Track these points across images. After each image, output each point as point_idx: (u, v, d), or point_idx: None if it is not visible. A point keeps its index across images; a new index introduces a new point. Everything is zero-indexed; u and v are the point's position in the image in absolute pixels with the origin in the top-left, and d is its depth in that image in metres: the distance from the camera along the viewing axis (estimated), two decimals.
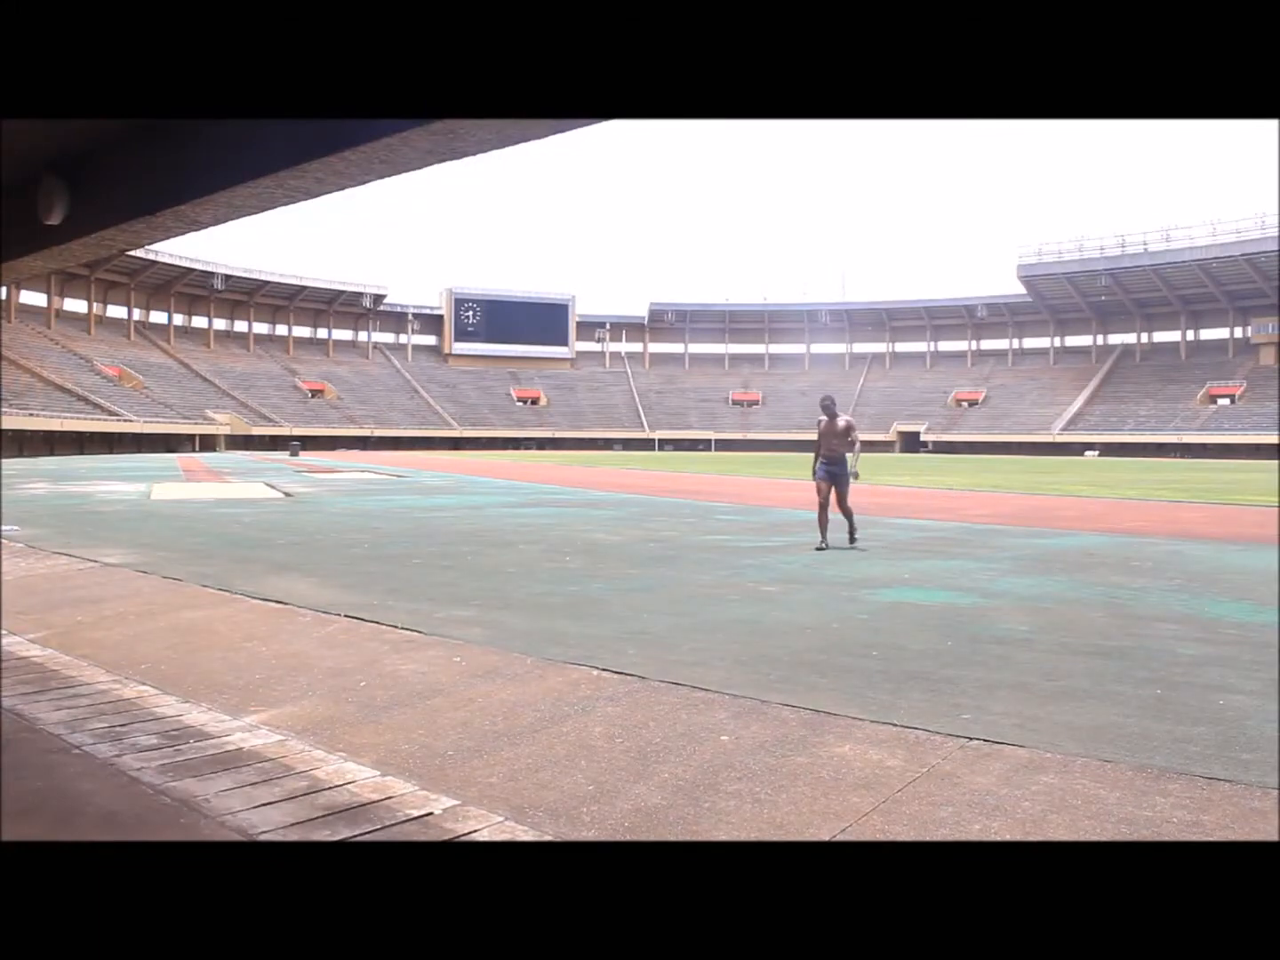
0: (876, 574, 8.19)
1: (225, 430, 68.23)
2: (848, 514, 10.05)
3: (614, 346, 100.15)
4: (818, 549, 9.61)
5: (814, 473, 10.20)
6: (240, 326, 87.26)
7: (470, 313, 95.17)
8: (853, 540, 9.95)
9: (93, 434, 55.20)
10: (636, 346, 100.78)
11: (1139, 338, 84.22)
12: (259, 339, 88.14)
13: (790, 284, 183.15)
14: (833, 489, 9.99)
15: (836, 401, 10.42)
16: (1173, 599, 6.98)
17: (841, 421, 10.01)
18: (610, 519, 13.96)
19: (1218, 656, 5.12)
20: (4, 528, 11.18)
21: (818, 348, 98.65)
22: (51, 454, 49.59)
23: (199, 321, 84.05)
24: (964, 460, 55.02)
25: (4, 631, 5.76)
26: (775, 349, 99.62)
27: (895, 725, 3.91)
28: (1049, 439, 74.64)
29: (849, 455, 10.03)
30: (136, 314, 78.61)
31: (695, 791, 3.24)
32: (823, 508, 9.95)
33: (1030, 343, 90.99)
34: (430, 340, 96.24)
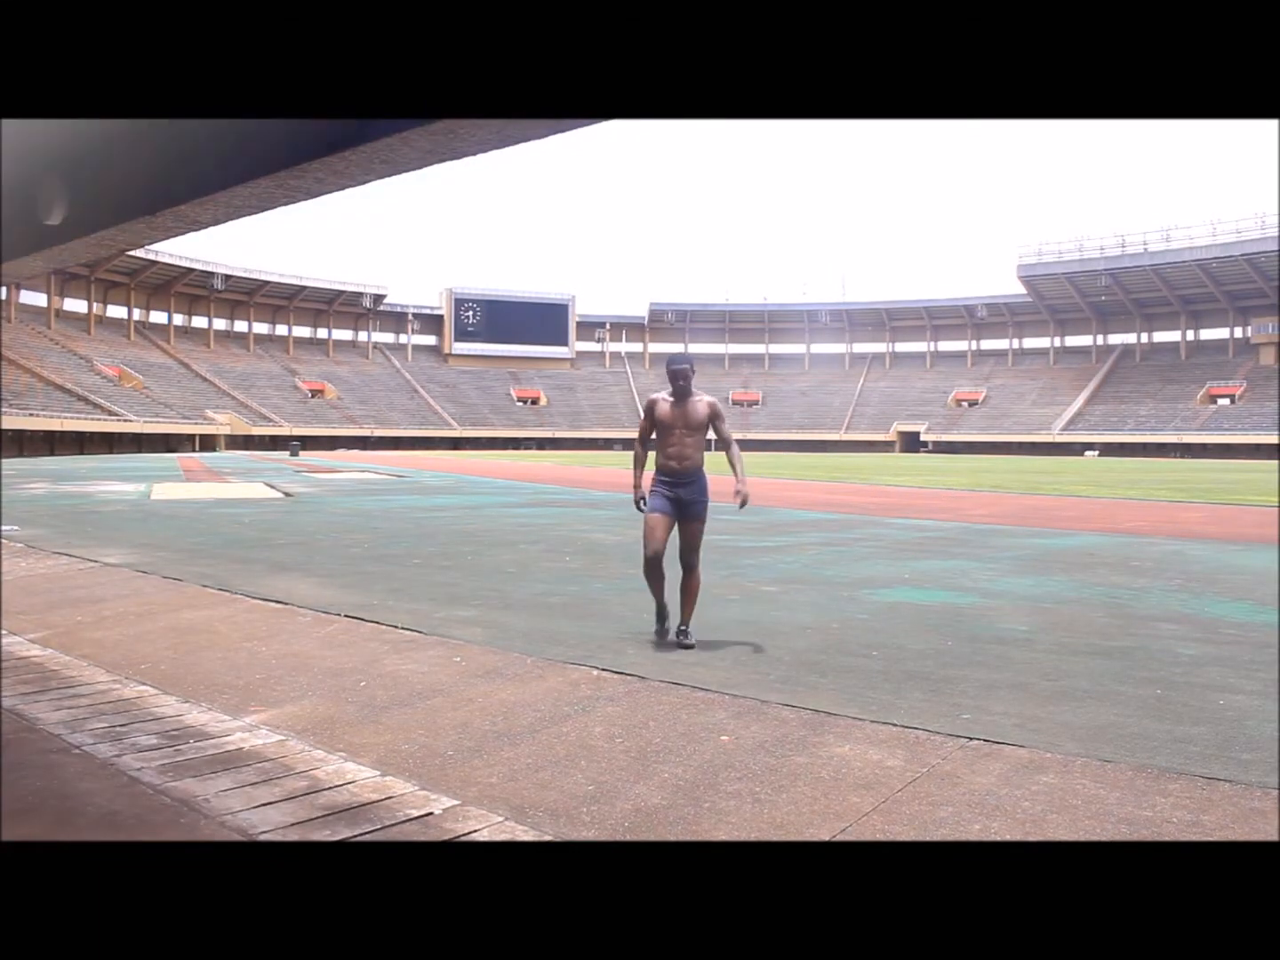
0: (877, 574, 8.19)
1: (225, 430, 68.28)
2: (692, 579, 5.44)
3: (614, 346, 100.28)
4: (659, 631, 5.59)
5: (638, 495, 5.57)
6: (240, 326, 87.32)
7: (470, 313, 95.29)
8: (685, 632, 5.40)
9: (93, 434, 55.24)
10: (637, 346, 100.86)
11: (1139, 338, 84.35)
12: (259, 339, 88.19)
13: (790, 284, 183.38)
14: (675, 528, 5.44)
15: (694, 367, 5.46)
16: (1173, 599, 6.99)
17: (701, 403, 5.36)
18: (610, 519, 13.96)
19: (1218, 656, 5.12)
20: (4, 527, 11.18)
21: (818, 348, 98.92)
22: (52, 454, 49.62)
23: (199, 321, 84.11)
24: (964, 460, 54.97)
25: (4, 631, 5.76)
26: (775, 349, 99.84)
27: (895, 725, 3.91)
28: (1049, 439, 74.76)
29: (724, 462, 5.50)
30: (136, 314, 78.67)
31: (695, 791, 3.24)
32: (654, 563, 5.41)
33: (1030, 343, 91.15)
34: (430, 340, 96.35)
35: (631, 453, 5.75)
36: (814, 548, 10.13)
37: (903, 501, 18.20)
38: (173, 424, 63.70)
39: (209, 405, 70.87)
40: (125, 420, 58.12)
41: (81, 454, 51.69)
